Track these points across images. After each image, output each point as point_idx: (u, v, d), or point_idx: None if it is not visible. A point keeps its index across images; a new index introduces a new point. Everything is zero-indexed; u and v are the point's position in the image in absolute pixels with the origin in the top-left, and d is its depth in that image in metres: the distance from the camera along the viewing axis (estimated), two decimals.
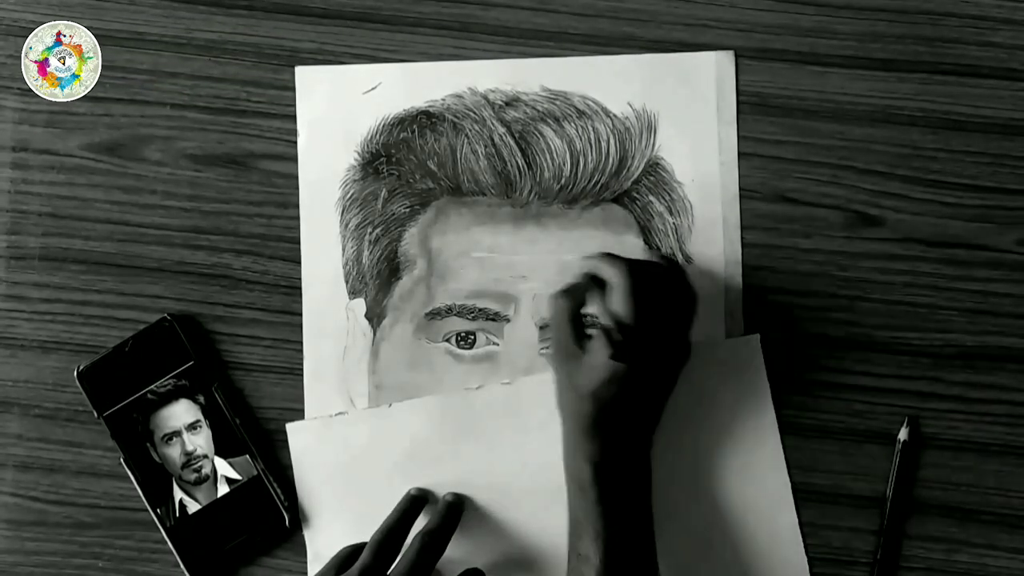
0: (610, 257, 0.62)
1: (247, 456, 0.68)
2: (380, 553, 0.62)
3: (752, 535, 0.68)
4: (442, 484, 0.68)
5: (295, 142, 0.71)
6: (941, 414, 0.69)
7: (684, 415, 0.68)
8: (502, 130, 0.70)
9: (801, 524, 0.68)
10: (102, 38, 0.72)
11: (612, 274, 0.61)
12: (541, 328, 0.68)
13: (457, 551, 0.67)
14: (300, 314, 0.70)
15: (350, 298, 0.70)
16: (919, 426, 0.68)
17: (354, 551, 0.64)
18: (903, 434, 0.68)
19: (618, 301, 0.60)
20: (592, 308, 0.63)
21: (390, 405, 0.69)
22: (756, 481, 0.68)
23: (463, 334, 0.69)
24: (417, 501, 0.67)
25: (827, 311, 0.69)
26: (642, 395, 0.62)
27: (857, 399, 0.69)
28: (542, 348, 0.68)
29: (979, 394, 0.69)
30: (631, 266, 0.61)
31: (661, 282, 0.62)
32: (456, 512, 0.66)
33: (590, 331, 0.62)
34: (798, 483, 0.68)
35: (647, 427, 0.63)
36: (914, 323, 0.69)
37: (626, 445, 0.62)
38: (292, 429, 0.69)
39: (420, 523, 0.66)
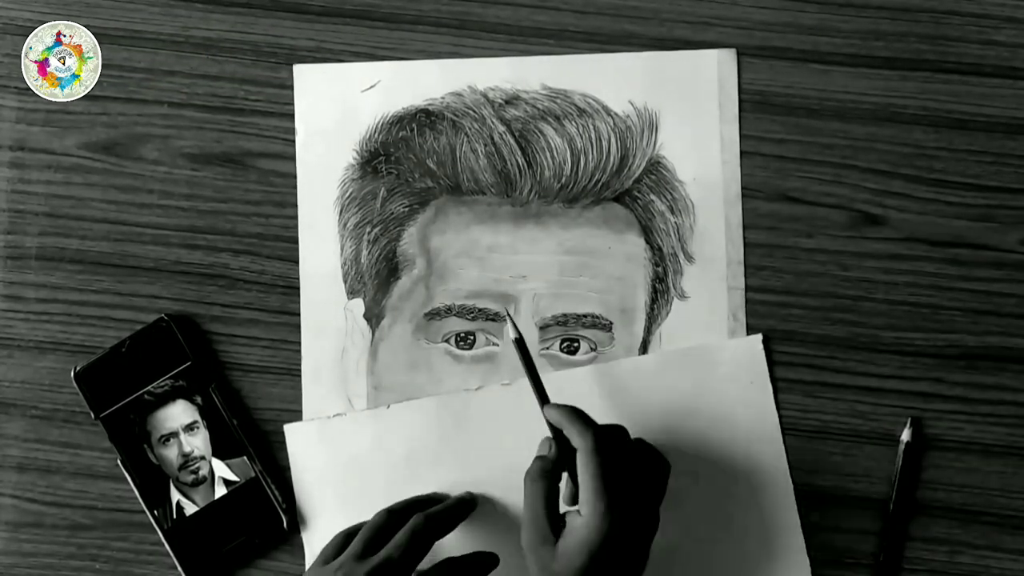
0: (578, 421, 0.60)
1: (245, 457, 0.68)
2: (391, 516, 0.62)
3: (754, 536, 0.67)
4: (441, 485, 0.67)
5: (293, 141, 0.70)
6: (944, 415, 0.68)
7: (687, 416, 0.67)
8: (502, 128, 0.69)
9: (804, 525, 0.67)
10: (100, 37, 0.71)
11: (578, 443, 0.59)
12: (541, 328, 0.68)
13: (457, 551, 0.67)
14: (298, 314, 0.69)
15: (348, 298, 0.69)
16: (922, 427, 0.68)
17: (351, 533, 0.63)
18: (906, 435, 0.67)
19: (585, 474, 0.58)
20: (563, 486, 0.62)
21: (388, 406, 0.68)
22: (758, 482, 0.68)
23: (462, 334, 0.68)
24: (433, 498, 0.66)
25: (829, 311, 0.69)
26: (614, 569, 0.59)
27: (860, 400, 0.68)
28: (542, 349, 0.68)
29: (982, 395, 0.68)
30: (597, 436, 0.59)
31: (630, 452, 0.61)
32: (465, 507, 0.66)
33: (563, 511, 0.60)
34: (801, 484, 0.68)
35: None
36: (917, 323, 0.69)
37: None
38: (290, 430, 0.69)
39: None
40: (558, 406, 0.62)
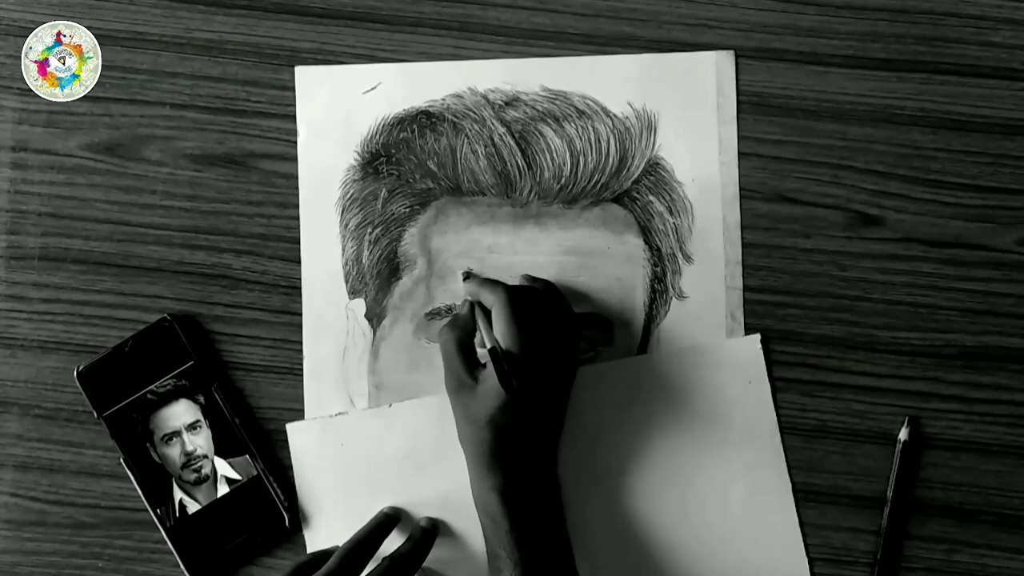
0: (489, 283, 0.64)
1: (247, 456, 0.68)
2: (347, 562, 0.62)
3: (753, 535, 0.67)
4: (442, 483, 0.67)
5: (295, 142, 0.71)
6: (941, 414, 0.69)
7: (685, 415, 0.68)
8: (502, 130, 0.70)
9: (802, 524, 0.68)
10: (101, 38, 0.72)
11: (492, 300, 0.63)
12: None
13: (457, 551, 0.67)
14: (300, 314, 0.70)
15: (350, 298, 0.70)
16: (919, 426, 0.68)
17: (312, 560, 0.64)
18: (903, 434, 0.68)
19: (499, 326, 0.61)
20: (477, 336, 0.64)
21: (390, 405, 0.69)
22: (757, 481, 0.68)
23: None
24: (389, 520, 0.67)
25: (827, 311, 0.69)
26: (537, 419, 0.63)
27: (857, 399, 0.69)
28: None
29: (979, 394, 0.69)
30: (510, 291, 0.62)
31: (541, 304, 0.63)
32: (429, 539, 0.66)
33: (481, 359, 0.63)
34: (799, 483, 0.68)
35: (548, 449, 0.64)
36: (914, 323, 0.69)
37: (530, 470, 0.63)
38: (292, 429, 0.69)
39: (391, 544, 0.66)
40: (471, 277, 0.66)
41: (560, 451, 0.67)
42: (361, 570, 0.63)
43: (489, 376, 0.61)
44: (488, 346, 0.61)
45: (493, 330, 0.62)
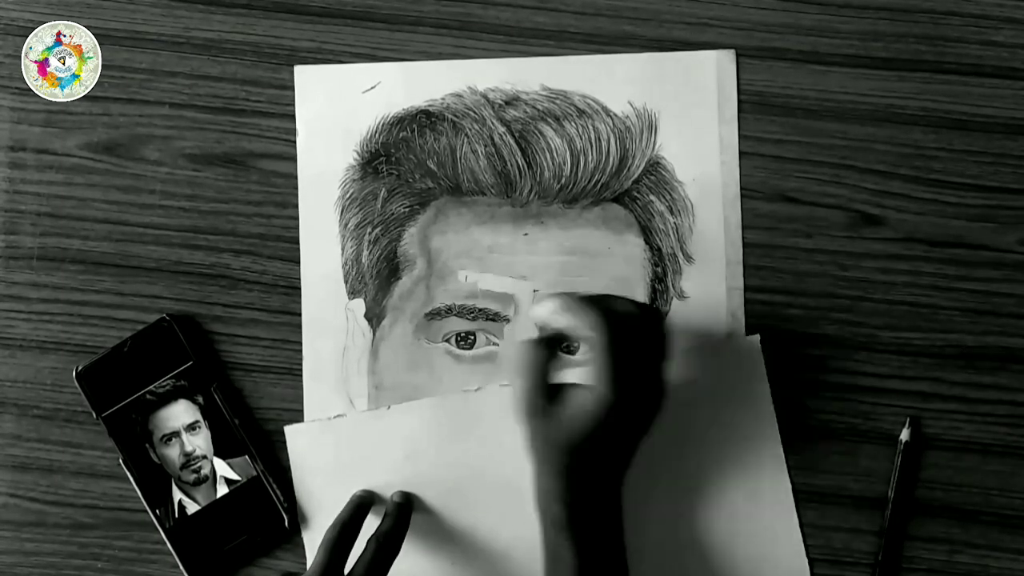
0: (588, 306, 0.59)
1: (246, 457, 0.68)
2: (334, 550, 0.62)
3: (753, 536, 0.67)
4: (441, 487, 0.67)
5: (294, 141, 0.70)
6: (943, 414, 0.68)
7: (685, 416, 0.68)
8: (502, 129, 0.69)
9: (802, 525, 0.68)
10: (100, 37, 0.71)
11: (588, 321, 0.59)
12: (541, 328, 0.68)
13: (457, 552, 0.67)
14: (299, 314, 0.69)
15: (349, 298, 0.70)
16: (921, 427, 0.68)
17: None
18: (905, 435, 0.68)
19: (597, 357, 0.58)
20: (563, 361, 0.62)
21: (389, 407, 0.69)
22: (757, 482, 0.68)
23: (463, 334, 0.69)
24: (364, 503, 0.66)
25: (828, 311, 0.69)
26: (617, 441, 0.61)
27: (859, 399, 0.68)
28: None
29: (981, 394, 0.68)
30: (609, 319, 0.58)
31: (636, 327, 0.60)
32: (406, 512, 0.66)
33: (563, 381, 0.60)
34: (799, 484, 0.68)
35: (620, 469, 0.62)
36: (916, 323, 0.69)
37: (600, 487, 0.61)
38: (291, 431, 0.69)
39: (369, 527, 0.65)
40: (559, 296, 0.61)
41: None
42: (347, 556, 0.63)
43: (573, 401, 0.59)
44: (570, 380, 0.59)
45: (589, 358, 0.59)
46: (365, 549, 0.63)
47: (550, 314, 0.60)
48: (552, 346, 0.61)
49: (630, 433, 0.61)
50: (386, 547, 0.64)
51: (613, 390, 0.58)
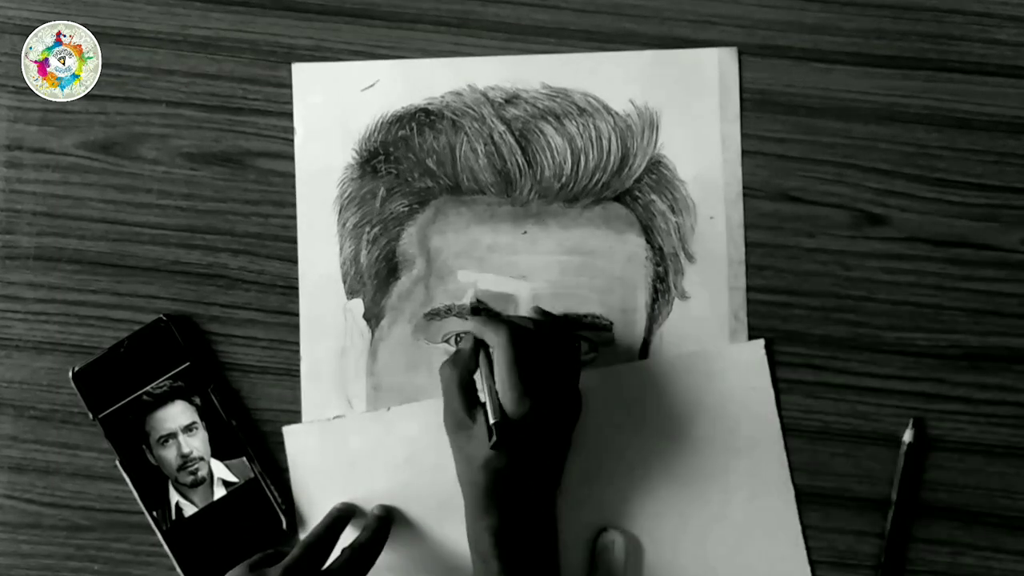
0: (493, 321, 0.63)
1: (244, 458, 0.68)
2: (310, 551, 0.62)
3: (755, 538, 0.67)
4: (439, 489, 0.67)
5: (292, 140, 0.70)
6: (946, 415, 0.68)
7: (688, 420, 0.67)
8: (502, 128, 0.69)
9: (805, 527, 0.67)
10: (98, 35, 0.71)
11: (494, 340, 0.61)
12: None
13: (456, 555, 0.66)
14: (297, 314, 0.69)
15: (348, 298, 0.69)
16: (924, 428, 0.68)
17: (264, 557, 0.63)
18: (908, 436, 0.67)
19: (500, 370, 0.60)
20: (478, 377, 0.63)
21: (388, 409, 0.68)
22: (759, 486, 0.67)
23: (462, 335, 0.68)
24: (344, 515, 0.66)
25: (831, 311, 0.68)
26: (535, 463, 0.62)
27: (862, 400, 0.68)
28: None
29: (985, 395, 0.68)
30: (513, 332, 0.61)
31: (546, 345, 0.62)
32: (385, 526, 0.66)
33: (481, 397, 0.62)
34: (803, 486, 0.67)
35: (546, 492, 0.63)
36: (919, 323, 0.68)
37: (526, 511, 0.61)
38: (289, 432, 0.68)
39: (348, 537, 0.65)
40: (478, 313, 0.66)
41: (560, 492, 0.65)
42: (324, 561, 0.62)
43: (483, 419, 0.61)
44: (482, 399, 0.61)
45: (495, 368, 0.61)
46: (339, 556, 0.63)
47: (472, 326, 0.64)
48: (469, 365, 0.63)
49: (548, 446, 0.61)
50: (360, 558, 0.63)
51: (520, 404, 0.59)
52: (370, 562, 0.63)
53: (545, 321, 0.65)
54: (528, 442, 0.60)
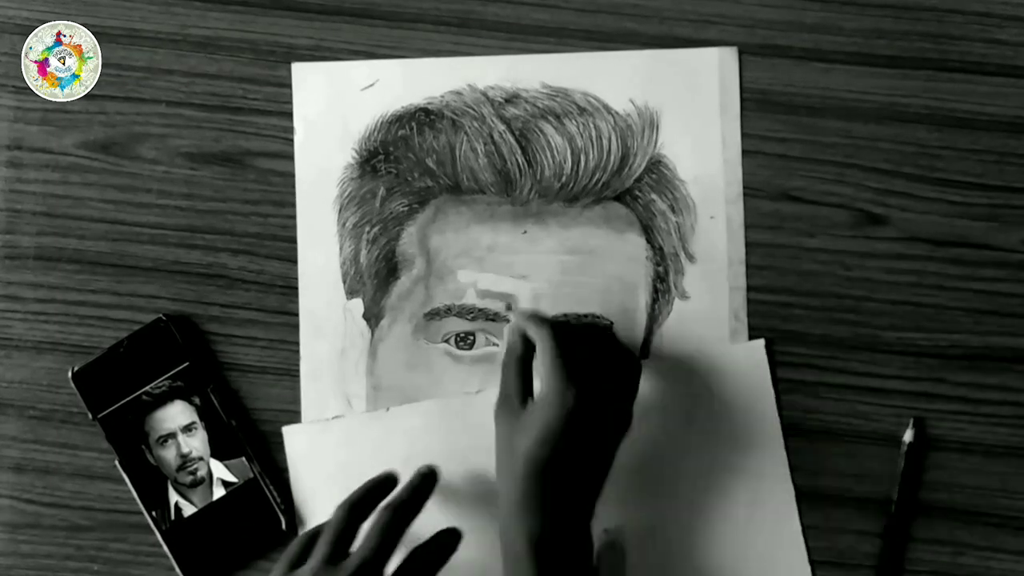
0: (536, 319, 0.62)
1: (243, 458, 0.68)
2: (350, 513, 0.61)
3: (755, 538, 0.67)
4: (440, 489, 0.67)
5: (292, 140, 0.70)
6: (947, 415, 0.68)
7: (688, 420, 0.67)
8: (502, 127, 0.69)
9: (805, 527, 0.67)
10: (97, 35, 0.71)
11: (536, 336, 0.61)
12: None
13: (457, 556, 0.66)
14: (297, 314, 0.69)
15: (348, 298, 0.69)
16: (924, 428, 0.68)
17: (315, 535, 0.62)
18: (908, 436, 0.67)
19: (542, 365, 0.60)
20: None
21: (388, 409, 0.68)
22: (759, 486, 0.67)
23: (462, 335, 0.68)
24: (390, 480, 0.64)
25: (832, 311, 0.68)
26: (579, 466, 0.60)
27: (862, 400, 0.68)
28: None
29: (985, 395, 0.68)
30: (556, 330, 0.61)
31: (596, 347, 0.62)
32: (428, 484, 0.64)
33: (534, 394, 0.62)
34: (802, 486, 0.67)
35: (586, 502, 0.61)
36: (920, 323, 0.68)
37: (564, 520, 0.60)
38: (288, 432, 0.68)
39: None
40: (521, 312, 0.65)
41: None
42: (362, 521, 0.61)
43: (537, 409, 0.59)
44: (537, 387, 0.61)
45: (537, 365, 0.60)
46: (374, 523, 0.61)
47: (515, 319, 0.64)
48: (530, 357, 0.62)
49: (591, 449, 0.60)
50: (398, 517, 0.61)
51: (563, 397, 0.59)
52: (408, 519, 0.61)
53: (611, 335, 0.65)
54: (572, 439, 0.59)
